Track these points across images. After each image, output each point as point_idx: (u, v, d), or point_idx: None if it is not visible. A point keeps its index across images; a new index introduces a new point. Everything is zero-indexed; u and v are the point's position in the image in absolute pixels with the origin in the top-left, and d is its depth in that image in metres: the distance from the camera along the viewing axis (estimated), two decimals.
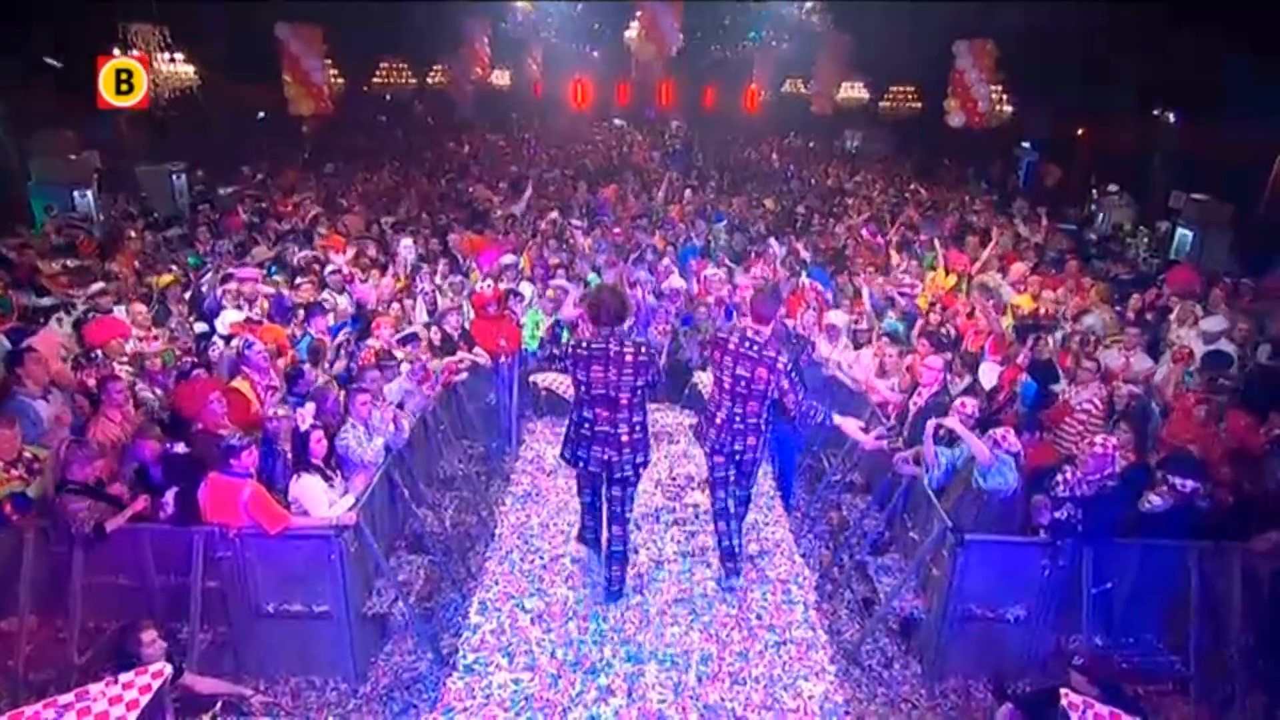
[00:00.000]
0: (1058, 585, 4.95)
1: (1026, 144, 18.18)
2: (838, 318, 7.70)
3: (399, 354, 6.58)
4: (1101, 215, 14.37)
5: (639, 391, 4.77)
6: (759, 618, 4.96)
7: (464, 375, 7.12)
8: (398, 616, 5.21)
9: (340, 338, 6.80)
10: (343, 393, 5.60)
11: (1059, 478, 5.07)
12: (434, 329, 7.29)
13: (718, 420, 4.91)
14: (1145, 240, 13.34)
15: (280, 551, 4.71)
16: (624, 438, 4.79)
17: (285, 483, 4.91)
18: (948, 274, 9.19)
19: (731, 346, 4.77)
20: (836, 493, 6.74)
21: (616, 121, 26.94)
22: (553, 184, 14.73)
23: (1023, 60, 13.81)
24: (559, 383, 7.14)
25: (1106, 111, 14.83)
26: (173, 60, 10.56)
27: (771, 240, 10.10)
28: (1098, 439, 4.94)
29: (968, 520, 5.05)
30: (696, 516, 5.96)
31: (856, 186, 16.09)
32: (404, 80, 19.51)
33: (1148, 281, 9.90)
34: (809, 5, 13.60)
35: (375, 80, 19.75)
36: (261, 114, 19.67)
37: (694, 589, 5.22)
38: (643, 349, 4.74)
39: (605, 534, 5.09)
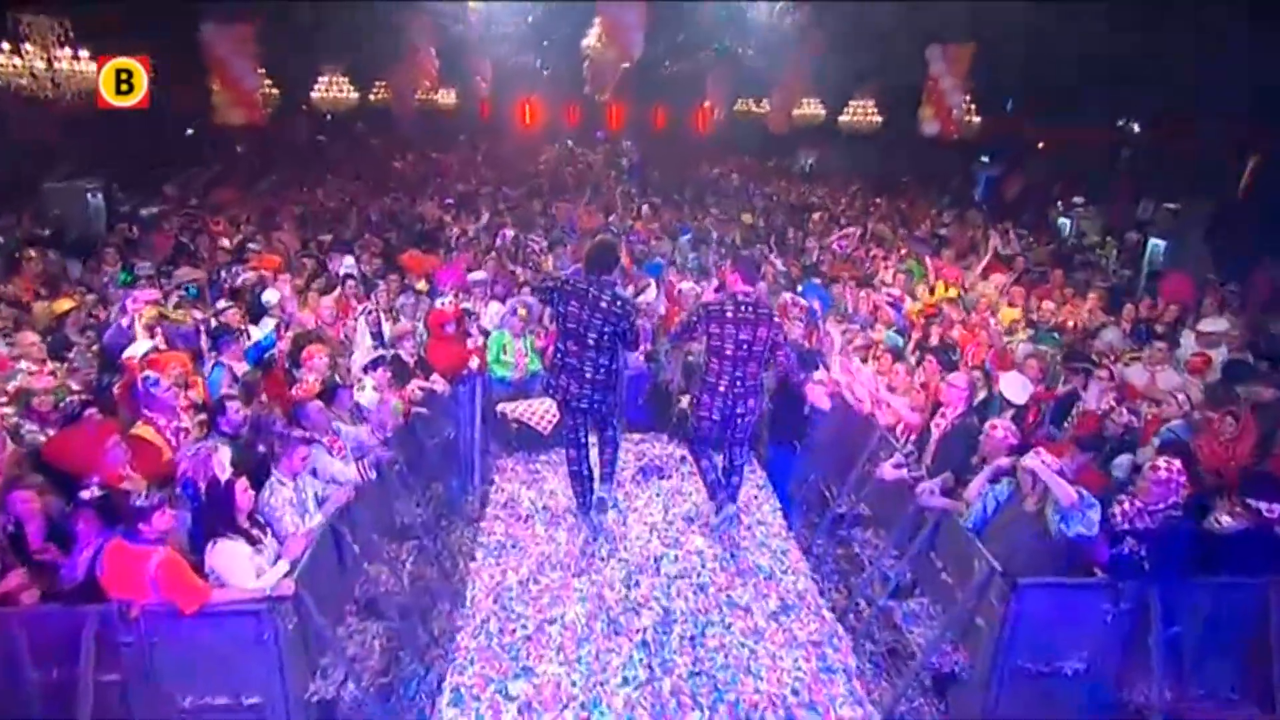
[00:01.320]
0: (1121, 632, 4.30)
1: (985, 158, 18.07)
2: (834, 330, 7.05)
3: (363, 393, 5.66)
4: (1069, 226, 14.17)
5: (606, 337, 4.99)
6: (795, 693, 4.15)
7: (421, 408, 6.22)
8: (348, 700, 4.28)
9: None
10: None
11: (1115, 508, 4.45)
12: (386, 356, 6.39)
13: (720, 389, 5.11)
14: (1115, 251, 13.16)
15: (199, 633, 3.79)
16: (588, 374, 5.07)
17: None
18: (947, 287, 8.66)
19: (730, 314, 4.99)
20: (846, 527, 6.02)
21: (568, 142, 26.26)
22: (505, 201, 13.89)
23: (983, 71, 13.55)
24: (531, 413, 6.31)
25: (1068, 122, 14.68)
26: (75, 58, 9.37)
27: (757, 252, 9.39)
28: (1159, 462, 4.33)
29: (1017, 561, 4.37)
30: (703, 565, 5.13)
31: (820, 201, 15.66)
32: (345, 95, 18.41)
33: (1123, 292, 9.56)
34: (779, 6, 13.05)
35: (314, 95, 18.62)
36: (190, 129, 18.46)
37: (713, 659, 4.37)
38: (619, 302, 5.00)
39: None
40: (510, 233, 10.51)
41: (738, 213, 13.31)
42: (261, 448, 4.56)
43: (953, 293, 8.70)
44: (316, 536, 4.35)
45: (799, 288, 8.47)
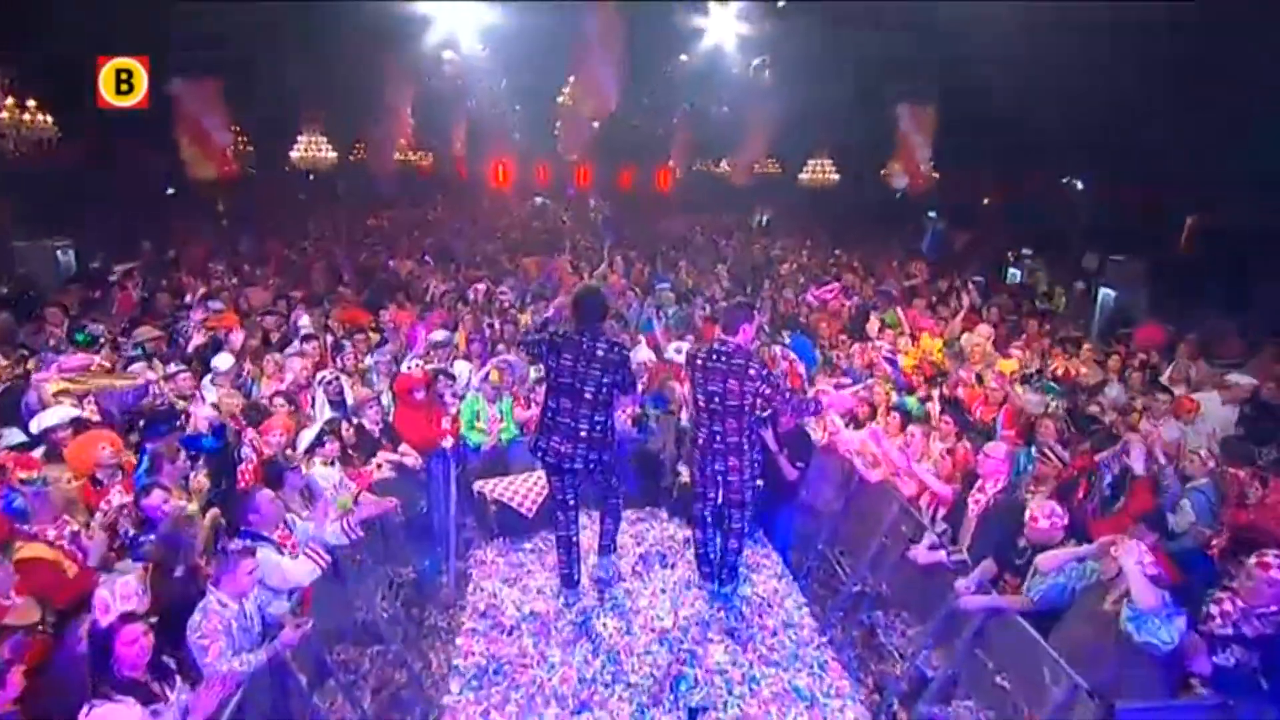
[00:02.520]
0: None
1: (932, 213, 17.52)
2: (827, 386, 5.99)
3: (318, 471, 4.44)
4: (1020, 276, 13.51)
5: (604, 389, 4.21)
6: None
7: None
8: None
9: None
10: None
11: (1214, 608, 3.41)
12: (347, 426, 5.13)
13: (698, 442, 4.38)
14: (1064, 300, 12.51)
15: None
16: (583, 431, 4.25)
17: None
18: (931, 338, 7.72)
19: (700, 362, 4.24)
20: (865, 610, 4.89)
21: (539, 199, 25.37)
22: (481, 255, 12.73)
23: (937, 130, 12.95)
24: (513, 493, 5.10)
25: (1014, 178, 14.16)
26: (20, 108, 8.03)
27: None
28: (1270, 557, 3.31)
29: (1082, 660, 3.33)
30: (729, 689, 3.84)
31: (784, 253, 14.80)
32: (324, 154, 17.22)
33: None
34: (755, 64, 12.28)
35: (294, 154, 17.39)
36: (170, 189, 17.03)
37: None
38: (616, 348, 4.24)
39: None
40: (482, 286, 9.33)
41: (711, 265, 12.32)
42: (179, 570, 3.28)
43: (936, 344, 7.80)
44: (246, 677, 3.08)
45: (786, 339, 7.43)
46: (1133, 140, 11.35)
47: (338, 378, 5.63)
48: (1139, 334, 8.36)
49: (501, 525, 5.27)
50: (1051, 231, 13.95)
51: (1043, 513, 3.73)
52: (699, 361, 4.23)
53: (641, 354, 6.60)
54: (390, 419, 5.59)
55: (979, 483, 4.30)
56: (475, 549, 5.29)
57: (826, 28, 10.46)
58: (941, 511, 4.59)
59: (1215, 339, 8.36)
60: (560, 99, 11.59)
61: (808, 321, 9.05)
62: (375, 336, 7.33)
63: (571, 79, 10.97)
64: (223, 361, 5.65)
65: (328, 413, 5.55)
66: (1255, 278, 10.89)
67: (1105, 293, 11.89)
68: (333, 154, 17.61)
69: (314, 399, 5.64)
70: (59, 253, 12.56)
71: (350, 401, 5.58)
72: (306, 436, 4.88)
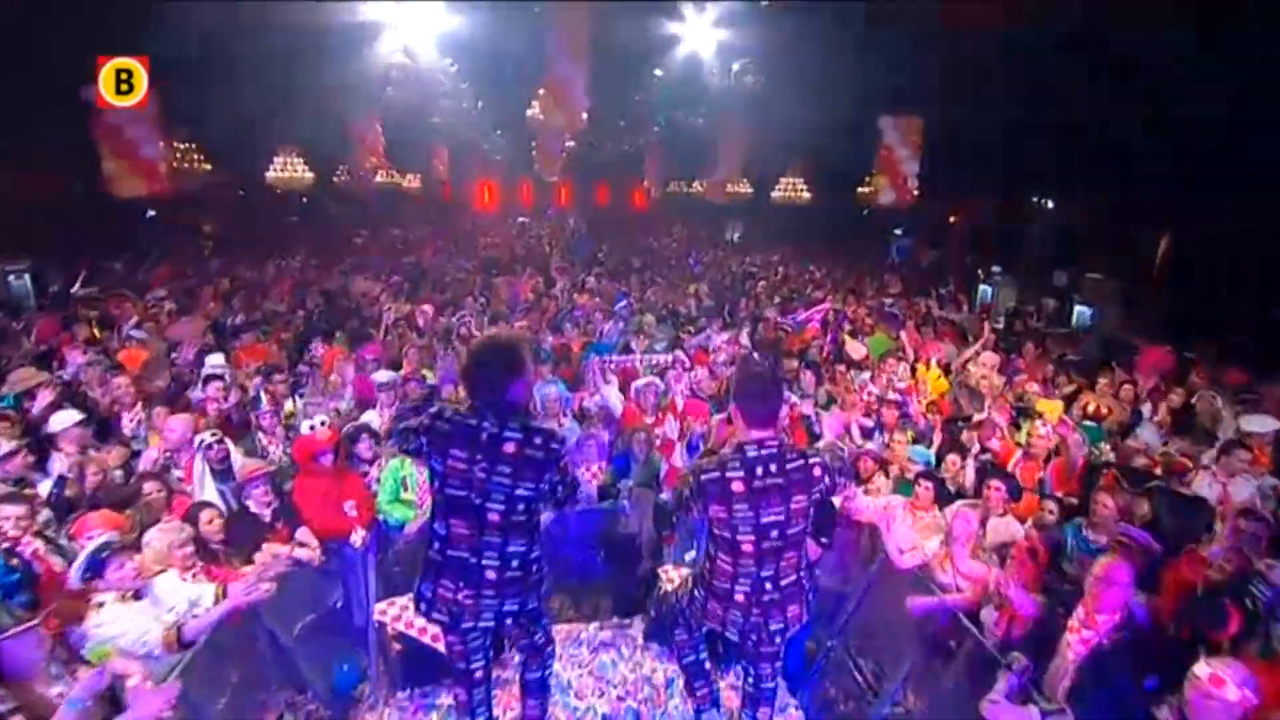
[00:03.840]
0: None
1: (898, 230, 16.15)
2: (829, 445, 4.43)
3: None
4: (992, 293, 12.12)
5: (525, 507, 2.38)
6: None
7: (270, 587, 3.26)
8: None
9: None
10: None
11: None
12: (211, 517, 3.45)
13: (738, 598, 2.48)
14: (1035, 317, 11.12)
15: None
16: (489, 573, 2.39)
17: None
18: (926, 367, 6.16)
19: (740, 480, 2.35)
20: None
21: (520, 219, 23.77)
22: (450, 275, 11.01)
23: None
24: (420, 623, 3.44)
25: (979, 195, 12.78)
26: None
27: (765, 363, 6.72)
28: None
29: None
30: None
31: (760, 269, 13.25)
32: (299, 174, 15.42)
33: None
34: (736, 68, 10.72)
35: (270, 175, 15.54)
36: (151, 212, 15.11)
37: None
38: (542, 440, 2.36)
39: None
40: (429, 309, 7.59)
41: (685, 282, 10.75)
42: None
43: (934, 374, 6.25)
44: None
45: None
46: (1103, 157, 10.05)
47: (221, 440, 3.92)
48: (1145, 359, 6.91)
49: (408, 671, 3.29)
50: (1020, 249, 12.63)
51: (1234, 678, 2.16)
52: (737, 484, 2.37)
53: (611, 397, 4.96)
54: (289, 492, 3.89)
55: (1082, 611, 2.72)
56: (369, 710, 3.37)
57: (804, 36, 8.95)
58: (1016, 624, 3.01)
59: (1219, 366, 7.02)
60: (530, 111, 9.94)
61: (790, 347, 7.51)
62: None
63: (541, 91, 9.31)
64: (61, 420, 3.91)
65: (210, 485, 3.88)
66: (1231, 291, 9.74)
67: (1080, 310, 10.54)
68: (309, 174, 15.83)
69: (198, 469, 3.95)
70: (11, 277, 10.77)
71: (237, 471, 3.89)
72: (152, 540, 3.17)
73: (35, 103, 8.95)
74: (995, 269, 12.41)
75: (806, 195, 14.63)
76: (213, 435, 3.91)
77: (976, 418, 4.92)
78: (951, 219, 14.42)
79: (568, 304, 8.58)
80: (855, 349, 6.89)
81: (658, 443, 4.48)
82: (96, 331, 7.10)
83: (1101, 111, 9.33)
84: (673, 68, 10.68)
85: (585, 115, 8.90)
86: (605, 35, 8.97)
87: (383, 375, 5.12)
